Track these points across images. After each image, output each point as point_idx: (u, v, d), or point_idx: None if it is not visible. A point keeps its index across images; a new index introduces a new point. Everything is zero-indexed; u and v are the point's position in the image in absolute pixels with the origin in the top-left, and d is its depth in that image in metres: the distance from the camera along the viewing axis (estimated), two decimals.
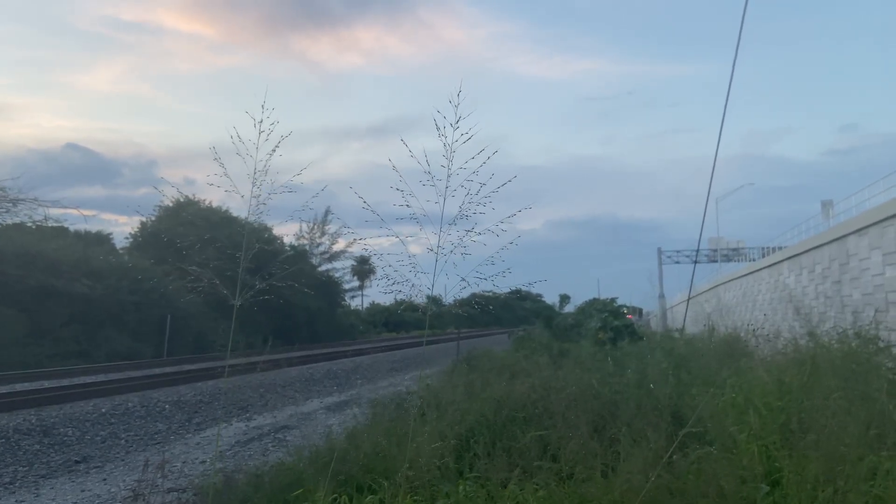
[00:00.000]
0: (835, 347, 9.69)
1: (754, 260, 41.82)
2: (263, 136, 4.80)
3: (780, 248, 29.06)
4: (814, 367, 7.68)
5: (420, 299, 4.76)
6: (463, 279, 4.76)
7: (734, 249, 60.63)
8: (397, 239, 4.79)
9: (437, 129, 4.49)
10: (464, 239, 4.70)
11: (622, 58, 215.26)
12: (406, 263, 4.73)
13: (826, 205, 27.12)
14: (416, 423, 7.11)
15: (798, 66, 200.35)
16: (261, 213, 5.11)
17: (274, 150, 4.85)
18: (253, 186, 4.89)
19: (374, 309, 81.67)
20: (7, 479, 9.44)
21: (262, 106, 4.78)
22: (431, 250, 4.70)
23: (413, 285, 4.68)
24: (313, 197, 5.17)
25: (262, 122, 4.80)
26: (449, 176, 4.49)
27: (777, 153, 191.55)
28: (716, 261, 58.12)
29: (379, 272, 4.75)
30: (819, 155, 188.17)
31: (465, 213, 4.62)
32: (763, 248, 44.48)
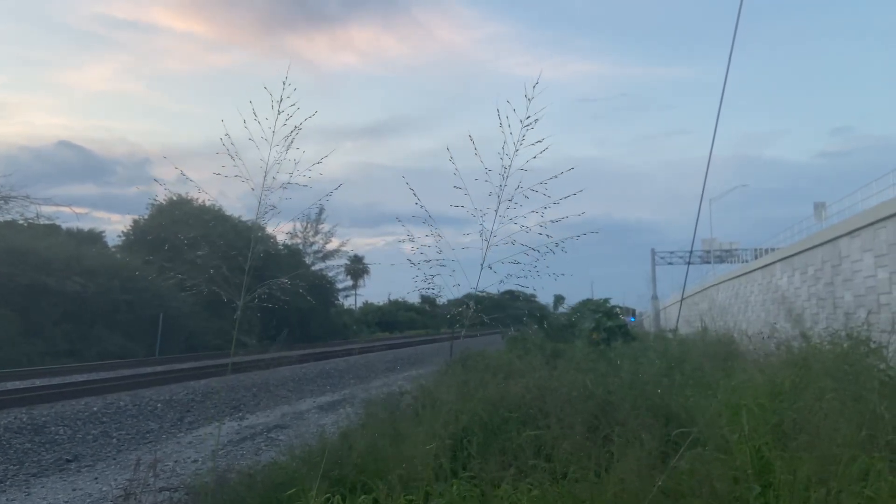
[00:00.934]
0: (827, 349, 9.72)
1: (747, 261, 42.00)
2: (278, 135, 4.77)
3: (772, 250, 29.19)
4: (806, 368, 7.70)
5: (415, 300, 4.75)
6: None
7: (727, 251, 60.89)
8: (389, 240, 4.78)
9: (503, 132, 4.40)
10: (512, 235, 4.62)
11: (616, 60, 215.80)
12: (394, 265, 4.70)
13: (819, 207, 27.26)
14: (410, 422, 7.10)
15: (791, 69, 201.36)
16: (266, 215, 5.10)
17: (288, 147, 4.81)
18: (262, 193, 4.86)
19: (368, 308, 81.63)
20: None
21: (278, 102, 4.71)
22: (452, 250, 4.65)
23: (455, 284, 4.61)
24: (327, 196, 5.10)
25: (277, 119, 4.77)
26: (507, 178, 4.43)
27: (770, 155, 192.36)
28: (709, 262, 58.34)
29: (373, 274, 4.75)
30: (812, 157, 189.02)
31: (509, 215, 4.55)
32: (756, 250, 44.68)
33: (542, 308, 28.58)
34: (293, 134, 4.80)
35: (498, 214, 4.52)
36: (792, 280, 22.86)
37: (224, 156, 4.86)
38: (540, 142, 4.39)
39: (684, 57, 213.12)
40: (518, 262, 4.56)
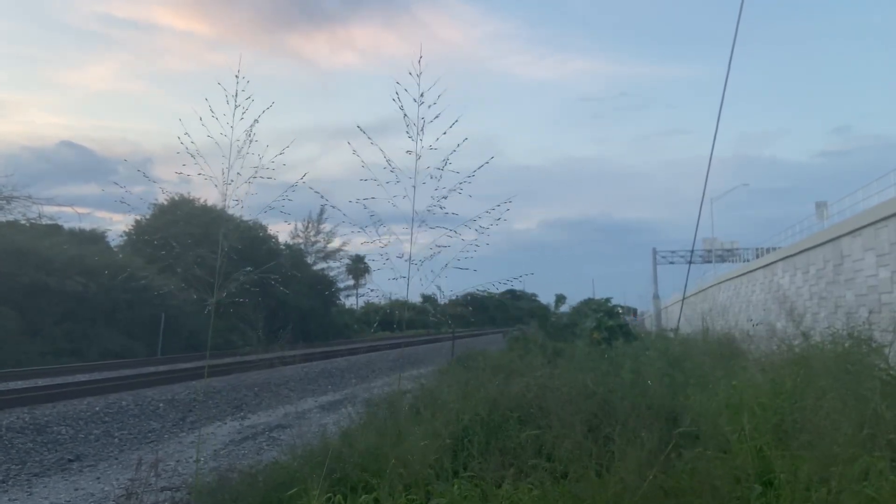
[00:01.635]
0: (828, 348, 9.72)
1: (748, 261, 41.95)
2: (239, 110, 4.79)
3: (774, 249, 29.16)
4: (807, 367, 7.70)
5: (415, 299, 4.77)
6: (438, 288, 4.74)
7: (728, 250, 60.86)
8: (388, 240, 4.79)
9: (407, 126, 4.44)
10: (449, 236, 4.67)
11: (616, 58, 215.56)
12: (392, 265, 4.71)
13: (820, 206, 27.21)
14: (411, 422, 7.10)
15: (791, 68, 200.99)
16: (238, 204, 5.12)
17: (250, 132, 4.83)
18: (227, 175, 4.88)
19: (369, 308, 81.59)
20: (0, 478, 9.40)
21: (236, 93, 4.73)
22: (400, 256, 4.68)
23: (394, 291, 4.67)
24: (359, 203, 5.05)
25: (236, 95, 4.80)
26: (417, 172, 4.47)
27: (771, 154, 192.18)
28: (710, 261, 58.29)
29: (374, 275, 4.79)
30: (812, 156, 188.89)
31: (436, 207, 4.58)
32: (757, 249, 44.62)
33: (544, 308, 28.58)
34: (252, 130, 4.84)
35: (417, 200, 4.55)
36: (794, 279, 22.84)
37: (217, 153, 4.89)
38: (437, 117, 4.41)
39: (685, 56, 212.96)
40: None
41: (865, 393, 5.72)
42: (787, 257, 23.87)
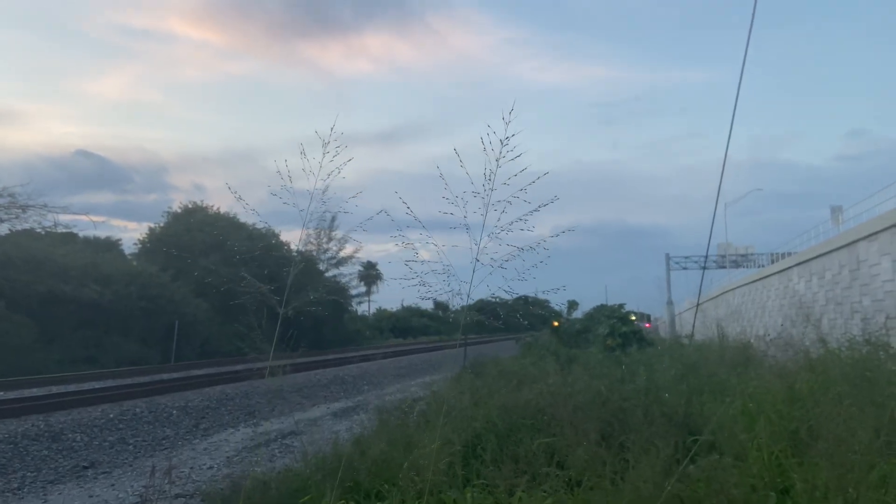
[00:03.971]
0: (845, 354, 9.61)
1: (763, 266, 41.61)
2: (328, 157, 4.88)
3: (789, 254, 28.91)
4: (824, 373, 7.62)
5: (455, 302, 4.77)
6: (458, 294, 4.75)
7: (743, 255, 60.37)
8: (404, 247, 4.78)
9: (483, 145, 4.52)
10: (500, 249, 4.67)
11: (630, 63, 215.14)
12: (421, 270, 4.71)
13: (836, 210, 26.97)
14: (423, 429, 7.09)
15: (806, 72, 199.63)
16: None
17: (338, 171, 4.91)
18: (306, 220, 4.97)
19: (381, 315, 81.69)
20: (15, 485, 9.47)
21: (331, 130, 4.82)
22: (437, 264, 4.68)
23: (451, 290, 4.67)
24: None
25: (328, 143, 4.87)
26: (493, 189, 4.52)
27: (785, 159, 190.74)
28: (724, 267, 57.85)
29: (405, 274, 4.77)
30: (827, 160, 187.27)
31: (504, 228, 4.62)
32: (772, 254, 44.23)
33: (557, 314, 28.48)
34: (333, 174, 4.92)
35: (486, 222, 4.59)
36: (809, 285, 22.63)
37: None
38: (518, 156, 4.50)
39: (699, 60, 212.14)
40: (504, 267, 4.60)
41: (883, 399, 5.64)
42: (802, 262, 23.67)
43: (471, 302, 5.04)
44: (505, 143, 4.53)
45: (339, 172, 4.93)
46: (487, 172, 4.52)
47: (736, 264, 58.61)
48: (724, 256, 59.42)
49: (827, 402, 5.88)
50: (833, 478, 4.33)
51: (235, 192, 5.47)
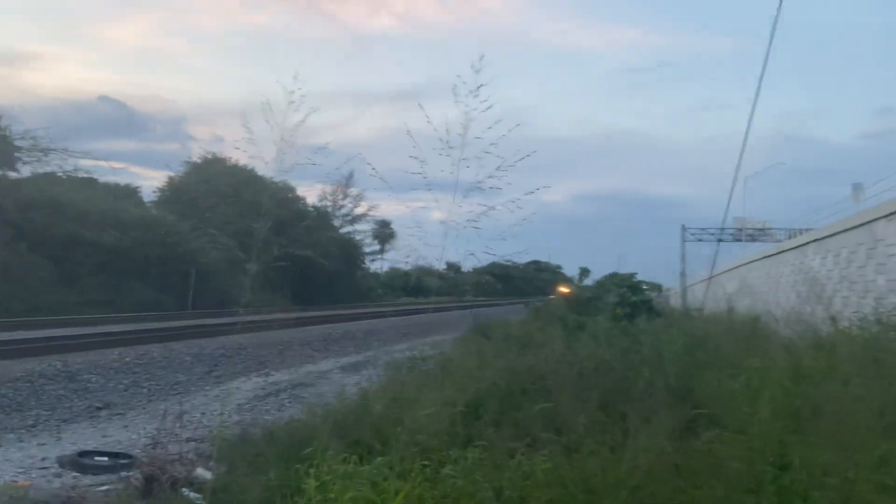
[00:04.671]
0: (855, 333, 9.56)
1: (780, 241, 41.21)
2: (293, 106, 4.79)
3: (806, 231, 28.58)
4: (832, 352, 7.59)
5: (440, 266, 4.76)
6: (472, 254, 4.75)
7: (760, 229, 59.68)
8: (417, 206, 4.78)
9: (455, 96, 4.41)
10: (487, 212, 4.66)
11: (659, 27, 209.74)
12: (420, 232, 4.71)
13: (857, 188, 26.53)
14: (429, 387, 7.19)
15: (835, 46, 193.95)
16: (285, 174, 5.14)
17: (303, 121, 4.84)
18: (278, 154, 4.89)
19: (394, 273, 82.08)
20: (30, 422, 9.75)
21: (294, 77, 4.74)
22: (442, 222, 4.68)
23: (423, 256, 4.67)
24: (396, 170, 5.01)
25: (293, 92, 4.79)
26: (464, 145, 4.44)
27: (809, 134, 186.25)
28: (740, 240, 57.27)
29: (400, 240, 4.77)
30: (853, 137, 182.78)
31: (481, 186, 4.57)
32: (790, 230, 43.74)
33: (568, 280, 28.46)
34: (309, 114, 4.86)
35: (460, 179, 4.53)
36: (825, 262, 22.41)
37: (251, 117, 4.89)
38: (490, 107, 4.39)
39: (729, 27, 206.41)
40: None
41: (890, 380, 5.63)
42: (818, 239, 23.38)
43: (483, 265, 5.05)
44: (475, 93, 4.41)
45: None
46: (465, 122, 4.42)
47: (752, 238, 57.98)
48: (740, 230, 58.77)
49: (834, 381, 5.88)
50: (833, 456, 4.35)
51: (239, 147, 5.42)
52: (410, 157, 4.57)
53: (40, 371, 12.37)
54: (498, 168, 4.52)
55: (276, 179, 5.20)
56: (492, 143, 4.44)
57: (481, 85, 4.37)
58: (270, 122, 4.51)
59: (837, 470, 4.30)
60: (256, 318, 18.91)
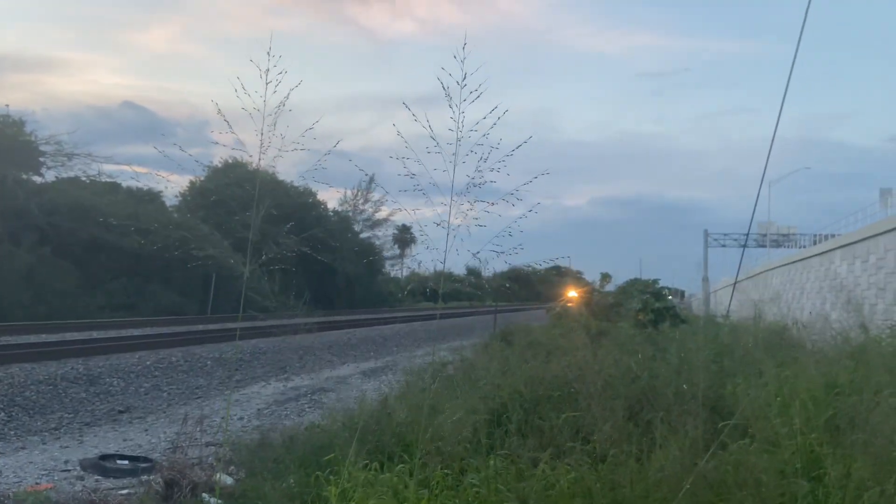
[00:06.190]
0: (887, 341, 9.31)
1: (804, 247, 40.59)
2: (271, 87, 4.78)
3: (832, 236, 28.09)
4: (864, 361, 7.39)
5: (461, 271, 4.69)
6: (475, 254, 4.67)
7: (784, 235, 58.90)
8: (438, 211, 4.71)
9: (446, 92, 4.33)
10: (488, 210, 4.58)
11: (681, 32, 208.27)
12: (438, 238, 4.65)
13: (885, 193, 26.02)
14: (450, 394, 7.10)
15: (862, 49, 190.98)
16: (275, 166, 5.13)
17: (282, 104, 4.82)
18: (262, 139, 4.89)
19: (414, 278, 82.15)
20: (53, 425, 9.82)
21: (268, 54, 4.70)
22: (438, 224, 4.61)
23: (442, 262, 4.60)
24: (406, 175, 4.94)
25: (268, 71, 4.77)
26: (459, 141, 4.38)
27: (836, 138, 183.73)
28: (764, 246, 56.56)
29: (419, 244, 4.73)
30: (881, 141, 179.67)
31: (477, 182, 4.49)
32: (815, 236, 43.05)
33: (586, 283, 28.23)
34: (281, 106, 4.82)
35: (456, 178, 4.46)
36: (852, 268, 21.99)
37: (266, 117, 4.87)
38: (479, 96, 4.30)
39: (752, 32, 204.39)
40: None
41: None
42: (846, 245, 22.96)
43: (503, 270, 4.98)
44: (462, 84, 4.32)
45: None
46: (458, 116, 4.34)
47: (777, 244, 57.25)
48: (764, 235, 58.05)
49: (867, 392, 5.70)
50: (870, 470, 4.20)
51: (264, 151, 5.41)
52: (415, 163, 4.51)
53: (63, 374, 12.47)
54: (485, 160, 4.44)
55: (297, 184, 5.17)
56: (509, 153, 4.37)
57: (480, 91, 4.31)
58: (290, 126, 4.48)
59: (873, 483, 4.15)
60: (276, 322, 18.94)
